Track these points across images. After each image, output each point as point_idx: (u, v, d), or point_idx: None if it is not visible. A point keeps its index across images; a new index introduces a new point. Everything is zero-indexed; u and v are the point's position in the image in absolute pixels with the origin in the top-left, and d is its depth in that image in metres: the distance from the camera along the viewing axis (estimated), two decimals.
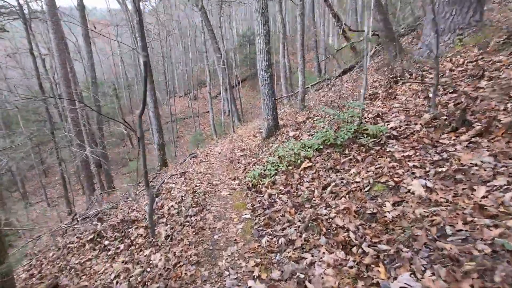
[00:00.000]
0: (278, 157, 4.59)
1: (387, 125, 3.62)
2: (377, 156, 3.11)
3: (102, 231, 4.66)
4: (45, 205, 18.37)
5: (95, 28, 18.18)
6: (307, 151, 4.00)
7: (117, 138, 24.85)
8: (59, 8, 13.80)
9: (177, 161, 10.95)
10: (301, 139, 5.12)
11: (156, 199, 5.34)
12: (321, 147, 3.89)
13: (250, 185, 4.13)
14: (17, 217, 12.19)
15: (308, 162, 3.84)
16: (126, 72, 24.57)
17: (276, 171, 4.14)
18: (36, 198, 20.01)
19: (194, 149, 17.84)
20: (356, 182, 2.85)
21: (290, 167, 4.02)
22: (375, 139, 3.36)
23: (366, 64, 4.10)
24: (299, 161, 3.95)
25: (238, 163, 5.89)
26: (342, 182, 2.99)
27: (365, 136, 3.54)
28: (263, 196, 3.60)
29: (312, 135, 5.01)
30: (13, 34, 21.35)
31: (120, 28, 22.46)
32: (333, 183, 3.00)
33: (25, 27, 12.89)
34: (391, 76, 5.78)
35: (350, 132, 3.51)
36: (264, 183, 3.89)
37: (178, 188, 5.41)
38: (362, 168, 3.02)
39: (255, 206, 3.47)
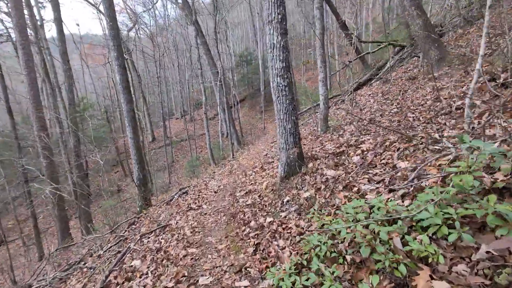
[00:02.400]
0: (326, 234, 2.19)
1: None
2: None
3: None
4: (20, 243, 15.54)
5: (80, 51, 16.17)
6: (423, 247, 1.58)
7: (108, 164, 22.31)
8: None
9: (165, 198, 8.46)
10: (357, 188, 2.74)
11: None
12: (460, 234, 1.49)
13: None
14: None
15: (429, 272, 1.44)
16: (117, 94, 22.41)
17: (339, 282, 1.72)
18: (14, 234, 17.14)
19: (189, 175, 15.35)
20: None
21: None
22: None
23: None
24: (401, 270, 1.54)
25: (244, 223, 3.45)
26: None
27: None
28: None
29: (382, 183, 2.62)
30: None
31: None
32: None
33: None
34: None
35: None
36: None
37: (141, 278, 2.94)
38: None
39: None
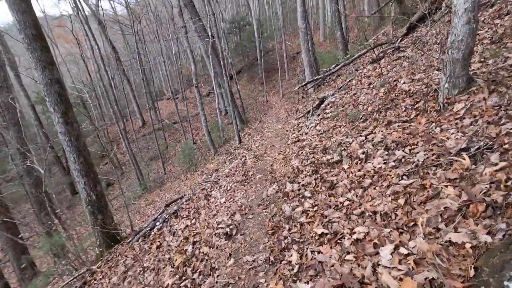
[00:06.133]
0: None
1: None
2: None
3: None
4: None
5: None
6: None
7: (95, 156, 18.92)
8: None
9: (147, 222, 5.32)
10: None
11: None
12: None
13: None
14: None
15: None
16: (101, 76, 17.97)
17: None
18: None
19: (186, 164, 12.09)
20: None
21: None
22: None
23: None
24: None
25: None
26: None
27: None
28: None
29: None
30: None
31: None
32: None
33: None
34: None
35: None
36: None
37: None
38: None
39: None
